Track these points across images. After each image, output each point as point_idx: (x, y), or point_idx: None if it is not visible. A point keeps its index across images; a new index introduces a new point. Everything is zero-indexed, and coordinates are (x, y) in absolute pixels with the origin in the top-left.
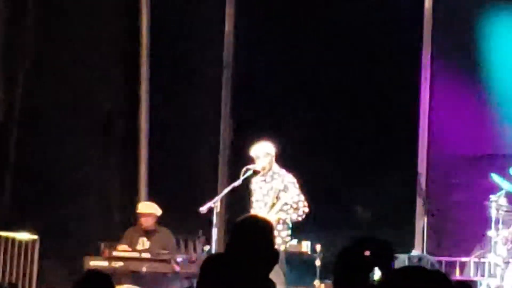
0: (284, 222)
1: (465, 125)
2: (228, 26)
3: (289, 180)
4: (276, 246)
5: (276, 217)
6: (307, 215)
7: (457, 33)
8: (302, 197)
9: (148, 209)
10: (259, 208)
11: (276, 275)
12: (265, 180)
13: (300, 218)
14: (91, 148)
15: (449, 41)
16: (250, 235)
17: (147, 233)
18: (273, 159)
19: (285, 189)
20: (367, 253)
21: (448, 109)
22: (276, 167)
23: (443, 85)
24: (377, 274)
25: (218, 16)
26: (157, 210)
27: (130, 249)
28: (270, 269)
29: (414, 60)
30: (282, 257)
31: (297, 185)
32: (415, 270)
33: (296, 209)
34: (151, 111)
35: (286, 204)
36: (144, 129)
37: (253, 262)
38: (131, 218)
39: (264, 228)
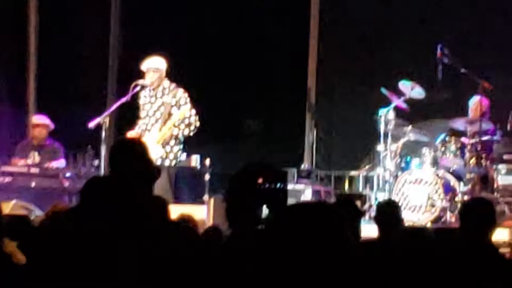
0: (176, 137)
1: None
2: None
3: (180, 95)
4: (168, 162)
5: (169, 133)
6: (198, 128)
7: None
8: (193, 112)
9: (42, 120)
10: (150, 124)
11: (164, 191)
12: (155, 96)
13: (192, 133)
14: None
15: None
16: (125, 156)
17: (38, 147)
18: (163, 74)
19: (177, 104)
20: (260, 180)
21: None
22: (166, 82)
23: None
24: (265, 212)
25: None
26: (50, 123)
27: (19, 163)
28: (151, 185)
29: None
30: (172, 172)
31: (188, 100)
32: (302, 208)
33: (189, 124)
34: (40, 26)
35: (179, 120)
36: (33, 44)
37: (133, 181)
38: (21, 131)
39: (137, 148)
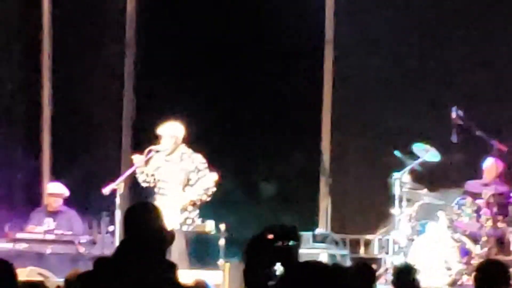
0: (194, 204)
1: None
2: (130, 5)
3: (199, 161)
4: (184, 228)
5: (189, 199)
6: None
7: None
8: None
9: (58, 189)
10: (168, 189)
11: (181, 256)
12: (173, 161)
13: (209, 199)
14: None
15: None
16: (139, 221)
17: (53, 214)
18: (179, 140)
19: (196, 170)
20: (271, 236)
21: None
22: (183, 147)
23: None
24: (279, 269)
25: None
26: (65, 191)
27: (35, 230)
28: (163, 250)
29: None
30: (188, 237)
31: (207, 166)
32: (315, 266)
33: (207, 190)
34: (53, 91)
35: (201, 187)
36: (47, 108)
37: (146, 246)
38: (35, 198)
39: (151, 212)
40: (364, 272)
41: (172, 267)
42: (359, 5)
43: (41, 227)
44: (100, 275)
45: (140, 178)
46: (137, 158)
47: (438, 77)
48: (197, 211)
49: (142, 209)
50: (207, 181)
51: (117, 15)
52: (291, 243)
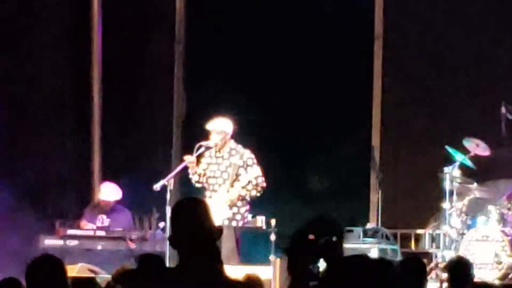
0: (244, 199)
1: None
2: (180, 2)
3: (247, 156)
4: (234, 223)
5: (237, 194)
6: (264, 189)
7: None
8: (260, 173)
9: (111, 197)
10: (217, 184)
11: (230, 252)
12: (222, 157)
13: (259, 194)
14: (45, 129)
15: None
16: (187, 216)
17: (107, 211)
18: (228, 136)
19: (244, 165)
20: (311, 236)
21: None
22: (232, 143)
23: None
24: (322, 265)
25: None
26: (118, 195)
27: (87, 226)
28: (211, 246)
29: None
30: (239, 233)
31: (255, 161)
32: (358, 261)
33: (256, 185)
34: (103, 88)
35: (248, 181)
36: (97, 106)
37: (193, 242)
38: (86, 195)
39: (199, 208)
40: (414, 266)
41: (219, 262)
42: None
43: (93, 224)
44: (146, 272)
45: (193, 179)
46: (189, 158)
47: (488, 72)
48: (247, 207)
49: (190, 204)
50: (250, 175)
51: (166, 12)
52: (334, 238)
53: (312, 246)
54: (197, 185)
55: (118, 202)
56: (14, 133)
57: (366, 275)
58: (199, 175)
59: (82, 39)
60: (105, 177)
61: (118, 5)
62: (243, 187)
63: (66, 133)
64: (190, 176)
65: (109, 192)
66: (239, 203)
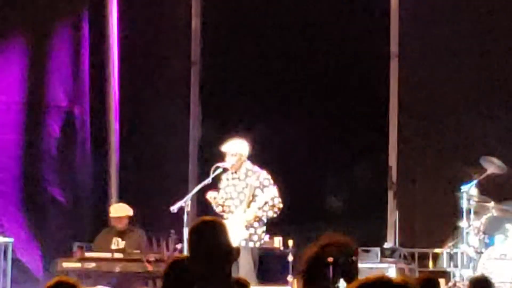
0: (260, 220)
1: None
2: (195, 23)
3: (264, 177)
4: (251, 244)
5: (253, 215)
6: (280, 210)
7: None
8: (277, 194)
9: (121, 212)
10: (234, 206)
11: (248, 272)
12: (238, 178)
13: (275, 215)
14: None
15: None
16: (204, 237)
17: (121, 233)
18: (244, 157)
19: (261, 186)
20: (330, 259)
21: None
22: (248, 164)
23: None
24: (342, 285)
25: (185, 13)
26: (129, 211)
27: (103, 249)
28: (228, 266)
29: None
30: (256, 254)
31: (271, 182)
32: (380, 283)
33: (272, 206)
34: (119, 109)
35: (265, 202)
36: (112, 128)
37: (211, 262)
38: (103, 218)
39: (216, 228)
40: (428, 285)
41: (242, 284)
42: (424, 17)
43: (109, 246)
44: None
45: (213, 204)
46: (211, 194)
47: (506, 91)
48: (264, 228)
49: (208, 225)
50: (267, 196)
51: (182, 32)
52: (354, 258)
53: (331, 267)
54: (218, 209)
55: (131, 223)
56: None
57: None
58: (222, 205)
59: (98, 63)
60: (121, 200)
61: (135, 27)
62: (259, 208)
63: (83, 156)
64: (214, 208)
65: (118, 208)
66: (256, 224)
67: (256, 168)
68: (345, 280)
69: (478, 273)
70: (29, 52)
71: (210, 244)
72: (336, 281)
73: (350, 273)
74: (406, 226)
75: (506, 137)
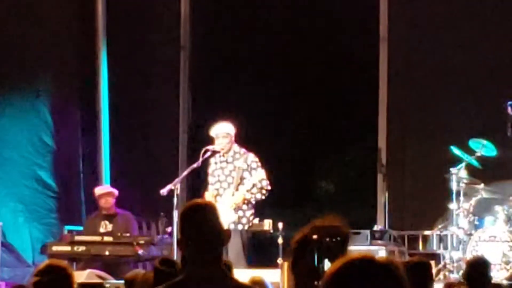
0: (249, 202)
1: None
2: (184, 7)
3: (251, 159)
4: (240, 226)
5: (242, 197)
6: (269, 192)
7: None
8: (265, 176)
9: (105, 189)
10: (222, 188)
11: (238, 255)
12: (226, 161)
13: (263, 197)
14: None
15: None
16: (195, 220)
17: (108, 217)
18: (233, 139)
19: (249, 168)
20: (315, 236)
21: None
22: (236, 147)
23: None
24: (327, 265)
25: None
26: (113, 190)
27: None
28: (220, 249)
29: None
30: (245, 237)
31: (259, 164)
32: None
33: (261, 188)
34: (109, 94)
35: (253, 184)
36: (101, 112)
37: (202, 245)
38: (93, 202)
39: (207, 211)
40: (419, 268)
41: (227, 266)
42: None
43: (98, 230)
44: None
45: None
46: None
47: (494, 73)
48: (252, 210)
49: (199, 207)
50: (255, 178)
51: (171, 16)
52: (338, 238)
53: (316, 246)
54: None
55: (122, 206)
56: None
57: (372, 276)
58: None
59: (87, 48)
60: (112, 183)
61: (123, 12)
62: (248, 190)
63: (73, 139)
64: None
65: (102, 187)
66: (245, 207)
67: (243, 150)
68: (330, 261)
69: (469, 255)
70: None
71: (201, 227)
72: (321, 261)
73: (335, 254)
74: (396, 208)
75: (495, 119)
